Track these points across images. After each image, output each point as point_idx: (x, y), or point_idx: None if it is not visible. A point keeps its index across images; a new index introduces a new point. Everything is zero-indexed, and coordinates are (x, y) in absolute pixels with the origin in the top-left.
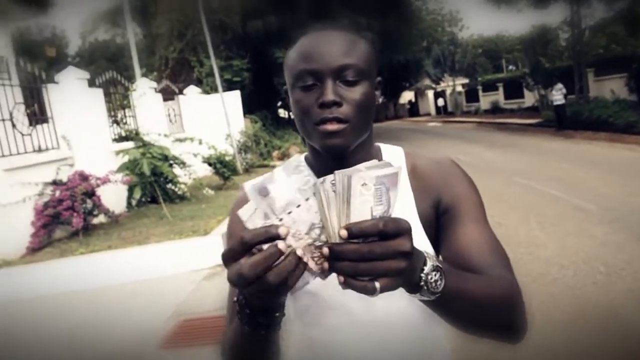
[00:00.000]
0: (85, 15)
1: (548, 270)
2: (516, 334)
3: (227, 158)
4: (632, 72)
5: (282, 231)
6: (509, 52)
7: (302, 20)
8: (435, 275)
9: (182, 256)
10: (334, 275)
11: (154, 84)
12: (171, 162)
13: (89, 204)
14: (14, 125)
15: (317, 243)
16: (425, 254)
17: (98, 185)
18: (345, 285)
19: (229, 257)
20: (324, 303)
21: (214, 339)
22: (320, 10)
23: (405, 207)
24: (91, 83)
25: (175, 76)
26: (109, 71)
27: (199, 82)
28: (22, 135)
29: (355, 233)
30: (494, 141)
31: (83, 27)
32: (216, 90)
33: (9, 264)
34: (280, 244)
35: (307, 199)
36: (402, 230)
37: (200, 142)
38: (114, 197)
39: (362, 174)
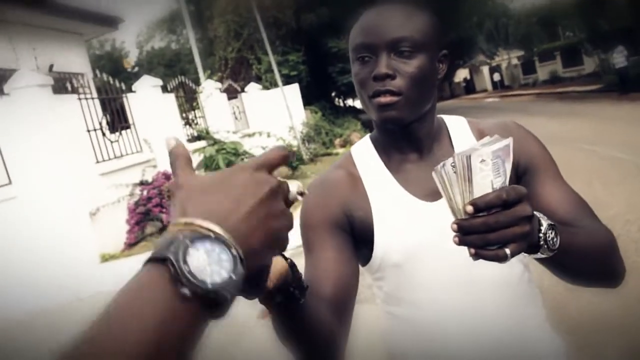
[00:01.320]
0: (140, 25)
1: (613, 226)
2: (617, 278)
3: (292, 149)
4: None
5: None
6: (565, 17)
7: (353, 8)
8: (551, 233)
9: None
10: (418, 251)
11: (219, 85)
12: (243, 156)
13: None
14: (103, 134)
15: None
16: (537, 215)
17: None
18: (477, 256)
19: (482, 208)
20: (412, 280)
21: None
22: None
23: None
24: (163, 89)
25: (236, 75)
26: (178, 76)
27: (258, 79)
28: (111, 142)
29: (482, 206)
30: (555, 111)
31: (139, 37)
32: (276, 85)
33: (113, 257)
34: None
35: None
36: (522, 196)
37: (268, 135)
38: None
39: (480, 152)
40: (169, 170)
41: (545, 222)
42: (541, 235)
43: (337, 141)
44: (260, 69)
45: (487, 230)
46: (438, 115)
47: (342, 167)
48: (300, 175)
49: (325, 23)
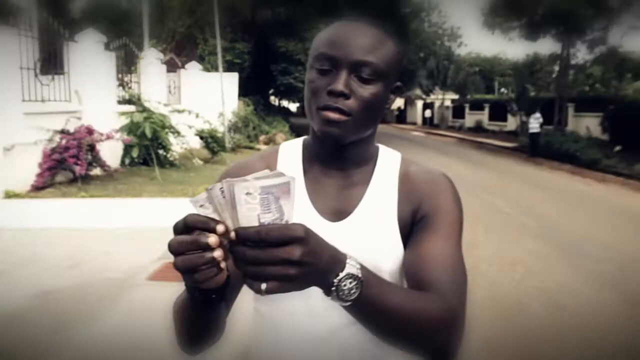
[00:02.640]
0: None
1: (479, 265)
2: (444, 356)
3: (218, 134)
4: (607, 113)
5: (219, 229)
6: (502, 75)
7: (309, 14)
8: (349, 283)
9: (172, 212)
10: None
11: (161, 56)
12: (168, 130)
13: (90, 155)
14: (36, 75)
15: None
16: (348, 261)
17: (101, 140)
18: (243, 280)
19: (175, 232)
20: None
21: None
22: (328, 8)
23: (386, 208)
24: (106, 46)
25: (180, 50)
26: (123, 38)
27: (201, 59)
28: (42, 84)
29: (241, 238)
30: (470, 158)
31: None
32: (216, 69)
33: (17, 195)
34: (211, 238)
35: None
36: (290, 238)
37: (197, 116)
38: (109, 153)
39: (246, 184)
40: (95, 125)
41: (347, 271)
42: (335, 281)
43: (262, 137)
44: (205, 50)
45: (245, 262)
46: (377, 144)
47: (265, 159)
48: (218, 161)
49: (279, 22)
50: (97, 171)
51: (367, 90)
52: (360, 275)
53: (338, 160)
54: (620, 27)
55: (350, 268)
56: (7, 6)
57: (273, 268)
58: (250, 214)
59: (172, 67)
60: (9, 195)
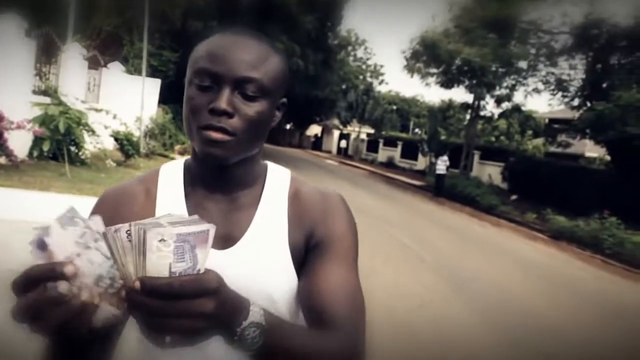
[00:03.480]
0: None
1: (375, 293)
2: None
3: (133, 138)
4: (508, 164)
5: (68, 270)
6: (417, 116)
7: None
8: (253, 332)
9: (80, 210)
10: None
11: (84, 52)
12: (83, 127)
13: None
14: None
15: (115, 285)
16: (251, 308)
17: (11, 128)
18: (140, 331)
19: (16, 291)
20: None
21: None
22: (260, 30)
23: (276, 233)
24: (26, 33)
25: (104, 48)
26: (46, 27)
27: (125, 61)
28: None
29: (148, 289)
30: (378, 191)
31: None
32: (139, 73)
33: None
34: (62, 286)
35: (87, 248)
36: (204, 290)
37: (114, 117)
38: (17, 144)
39: (160, 230)
40: (4, 112)
41: (250, 319)
42: (238, 330)
43: (178, 147)
44: (130, 52)
45: (150, 313)
46: (265, 162)
47: (144, 182)
48: (131, 164)
49: (210, 35)
50: (1, 160)
51: (251, 108)
52: (263, 322)
53: (222, 182)
54: (526, 87)
55: (254, 316)
56: None
57: (181, 321)
58: (161, 262)
59: (94, 64)
60: None
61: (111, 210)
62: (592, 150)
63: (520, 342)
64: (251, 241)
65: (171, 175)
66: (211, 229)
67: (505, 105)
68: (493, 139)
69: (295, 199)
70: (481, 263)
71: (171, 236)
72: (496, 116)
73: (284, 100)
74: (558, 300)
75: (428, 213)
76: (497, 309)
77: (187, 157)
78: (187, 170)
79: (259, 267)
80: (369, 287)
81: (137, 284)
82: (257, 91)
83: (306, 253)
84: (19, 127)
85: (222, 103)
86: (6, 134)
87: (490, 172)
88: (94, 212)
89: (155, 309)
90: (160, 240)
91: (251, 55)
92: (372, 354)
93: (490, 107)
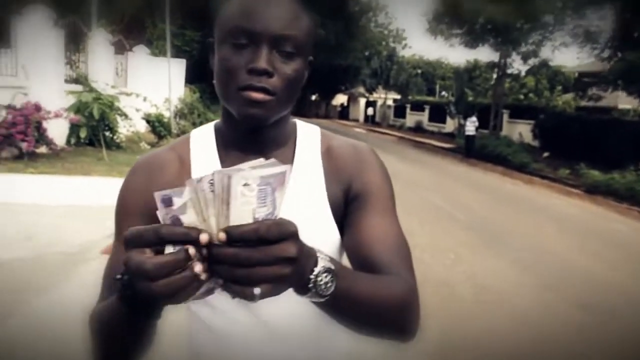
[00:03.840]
0: None
1: (413, 251)
2: (408, 334)
3: (164, 119)
4: (538, 121)
5: (203, 238)
6: (443, 78)
7: None
8: (325, 277)
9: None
10: None
11: (110, 37)
12: (116, 112)
13: (37, 133)
14: None
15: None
16: (318, 254)
17: (49, 118)
18: (224, 288)
19: (135, 242)
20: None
21: None
22: None
23: (314, 189)
24: (54, 23)
25: (128, 32)
26: (72, 16)
27: (149, 43)
28: None
29: (235, 237)
30: (408, 156)
31: None
32: (164, 55)
33: None
34: (191, 250)
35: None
36: (287, 234)
37: (145, 99)
38: (55, 132)
39: (245, 174)
40: (41, 102)
41: (322, 264)
42: (312, 277)
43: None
44: (154, 34)
45: (236, 264)
46: (294, 120)
47: (175, 149)
48: (164, 145)
49: None
50: (43, 149)
51: (289, 67)
52: (333, 267)
53: (257, 143)
54: (553, 42)
55: (323, 261)
56: None
57: (268, 269)
58: (244, 208)
59: (119, 49)
60: None
61: (145, 179)
62: (625, 102)
63: (554, 290)
64: (290, 199)
65: (203, 141)
66: (288, 170)
67: (532, 61)
68: (522, 96)
69: (329, 154)
70: (514, 219)
71: (255, 179)
72: (523, 73)
73: (311, 58)
74: (593, 251)
75: (459, 174)
76: (531, 261)
77: (216, 120)
78: (218, 133)
79: (300, 223)
80: None
81: (222, 235)
82: (294, 48)
83: (345, 206)
84: (56, 116)
85: (263, 62)
86: (45, 124)
87: (520, 131)
88: (128, 181)
89: (242, 259)
90: (244, 185)
91: (287, 12)
92: None
93: (517, 65)
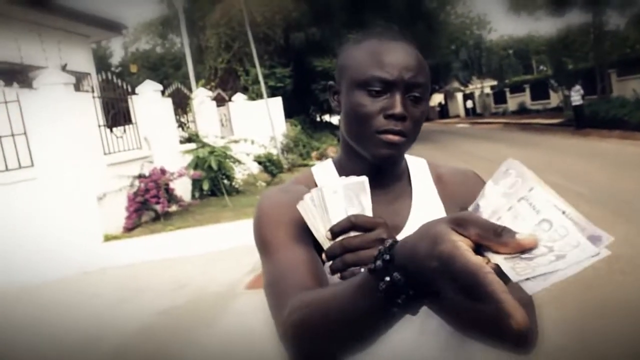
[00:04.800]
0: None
1: None
2: (526, 343)
3: (274, 157)
4: None
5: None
6: (537, 53)
7: (337, 30)
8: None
9: (250, 232)
10: None
11: (210, 93)
12: (230, 160)
13: (167, 194)
14: (111, 130)
15: None
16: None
17: (175, 179)
18: (341, 277)
19: (339, 229)
20: None
21: None
22: (355, 20)
23: (435, 213)
24: (162, 93)
25: (224, 84)
26: (176, 83)
27: (245, 90)
28: (117, 137)
29: (337, 230)
30: (516, 140)
31: (125, 37)
32: (261, 97)
33: (114, 237)
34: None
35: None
36: (375, 223)
37: (252, 142)
38: (180, 190)
39: (330, 184)
40: (165, 166)
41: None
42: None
43: (314, 154)
44: (247, 80)
45: (343, 251)
46: None
47: (301, 182)
48: (278, 181)
49: (312, 42)
50: (174, 207)
51: (418, 110)
52: None
53: (379, 177)
54: None
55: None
56: (76, 73)
57: (368, 250)
58: (338, 209)
59: (220, 101)
60: (108, 238)
61: (284, 199)
62: None
63: None
64: (415, 226)
65: (326, 175)
66: (365, 180)
67: (630, 11)
68: (628, 50)
69: (441, 182)
70: None
71: (339, 187)
72: (622, 27)
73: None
74: None
75: (573, 147)
76: None
77: (332, 157)
78: (340, 168)
79: None
80: None
81: (328, 234)
82: (423, 93)
83: None
84: (180, 175)
85: (400, 108)
86: (171, 185)
87: (634, 87)
88: (265, 203)
89: (346, 245)
90: (333, 192)
91: (415, 60)
92: None
93: (614, 20)
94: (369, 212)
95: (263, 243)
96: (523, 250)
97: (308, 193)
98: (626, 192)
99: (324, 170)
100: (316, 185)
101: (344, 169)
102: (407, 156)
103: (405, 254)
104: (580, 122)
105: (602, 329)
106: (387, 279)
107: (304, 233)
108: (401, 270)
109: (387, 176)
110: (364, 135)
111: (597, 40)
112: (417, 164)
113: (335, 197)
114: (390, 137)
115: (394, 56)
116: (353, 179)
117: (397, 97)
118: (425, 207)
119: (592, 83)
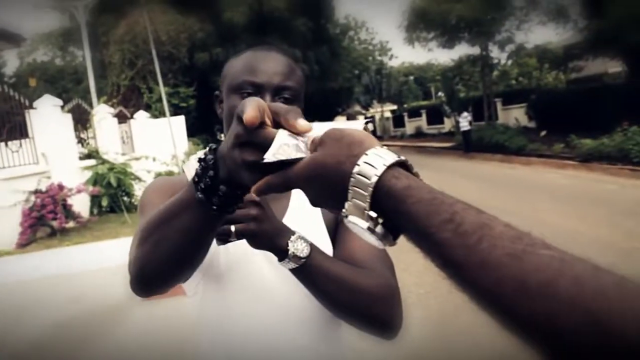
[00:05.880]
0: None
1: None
2: (388, 329)
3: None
4: (530, 102)
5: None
6: (435, 80)
7: (242, 51)
8: (300, 244)
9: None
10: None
11: (112, 110)
12: (130, 177)
13: (64, 210)
14: (6, 144)
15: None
16: (294, 230)
17: (73, 194)
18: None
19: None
20: (242, 282)
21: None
22: (259, 42)
23: (311, 215)
24: (61, 108)
25: (126, 101)
26: (76, 99)
27: (147, 107)
28: (12, 151)
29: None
30: (412, 162)
31: (21, 47)
32: (164, 115)
33: (7, 253)
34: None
35: None
36: (249, 200)
37: (154, 160)
38: (78, 206)
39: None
40: (63, 182)
41: (297, 234)
42: (289, 242)
43: None
44: (151, 97)
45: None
46: None
47: (184, 178)
48: None
49: (217, 62)
50: (71, 223)
51: None
52: (308, 240)
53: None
54: (530, 24)
55: (298, 234)
56: None
57: (240, 225)
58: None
59: (122, 118)
60: (1, 254)
61: (168, 183)
62: (614, 65)
63: None
64: (294, 217)
65: None
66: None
67: (509, 47)
68: (513, 82)
69: None
70: (509, 199)
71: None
72: (503, 60)
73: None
74: (581, 213)
75: (459, 169)
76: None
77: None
78: None
79: None
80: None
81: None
82: (292, 96)
83: (336, 225)
84: (78, 191)
85: None
86: (69, 200)
87: (515, 116)
88: (149, 187)
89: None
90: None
91: (284, 66)
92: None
93: (495, 54)
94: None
95: (141, 207)
96: (299, 132)
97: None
98: (493, 208)
99: None
100: None
101: None
102: None
103: (221, 154)
104: (468, 146)
105: (464, 328)
106: (205, 180)
107: None
108: (216, 170)
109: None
110: None
111: (484, 72)
112: None
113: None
114: None
115: (264, 63)
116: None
117: (267, 99)
118: (301, 208)
119: (481, 110)
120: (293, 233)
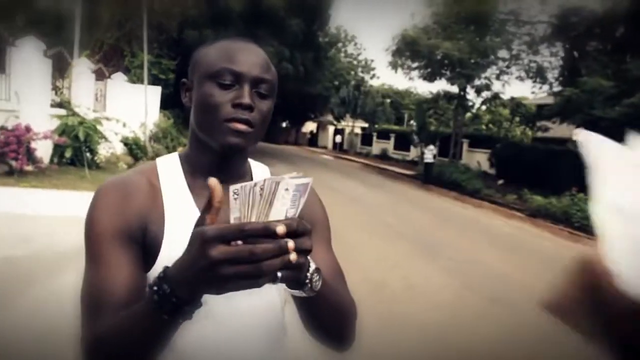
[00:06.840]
0: None
1: (354, 255)
2: (347, 343)
3: (141, 143)
4: (494, 150)
5: (280, 230)
6: (411, 108)
7: (230, 37)
8: (316, 276)
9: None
10: None
11: (92, 66)
12: (98, 135)
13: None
14: None
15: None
16: (312, 264)
17: (39, 139)
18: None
19: (215, 239)
20: None
21: None
22: (249, 32)
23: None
24: (44, 53)
25: (107, 60)
26: (59, 46)
27: (126, 71)
28: None
29: (274, 229)
30: (370, 181)
31: None
32: (142, 82)
33: None
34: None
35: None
36: (307, 231)
37: (124, 125)
38: (41, 151)
39: (288, 181)
40: (31, 125)
41: (313, 265)
42: (308, 274)
43: (180, 149)
44: (132, 62)
45: (274, 253)
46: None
47: (144, 174)
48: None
49: (205, 43)
50: (30, 167)
51: (264, 105)
52: (319, 269)
53: (222, 172)
54: (510, 76)
55: (313, 264)
56: None
57: (292, 256)
58: (282, 208)
59: (99, 76)
60: None
61: (120, 200)
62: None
63: (472, 289)
64: None
65: (169, 168)
66: (310, 181)
67: (485, 94)
68: (483, 127)
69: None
70: (454, 235)
71: (292, 186)
72: (477, 105)
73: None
74: (516, 262)
75: (415, 198)
76: (457, 266)
77: (178, 151)
78: (184, 162)
79: None
80: (354, 255)
81: (281, 228)
82: (268, 90)
83: None
84: (45, 137)
85: (247, 98)
86: (33, 144)
87: (478, 159)
88: (101, 202)
89: (278, 249)
90: (285, 190)
91: (263, 61)
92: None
93: (471, 97)
94: (298, 213)
95: (90, 243)
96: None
97: (260, 180)
98: (438, 240)
99: (169, 164)
100: (158, 179)
101: (189, 163)
102: (252, 161)
103: (176, 267)
104: (427, 177)
105: (397, 342)
106: (159, 292)
107: (134, 239)
108: (171, 282)
109: (230, 171)
110: (212, 124)
111: (458, 111)
112: (260, 169)
113: (285, 194)
114: (238, 125)
115: (244, 54)
116: (302, 179)
117: (246, 89)
118: None
119: (448, 147)
120: (310, 263)
